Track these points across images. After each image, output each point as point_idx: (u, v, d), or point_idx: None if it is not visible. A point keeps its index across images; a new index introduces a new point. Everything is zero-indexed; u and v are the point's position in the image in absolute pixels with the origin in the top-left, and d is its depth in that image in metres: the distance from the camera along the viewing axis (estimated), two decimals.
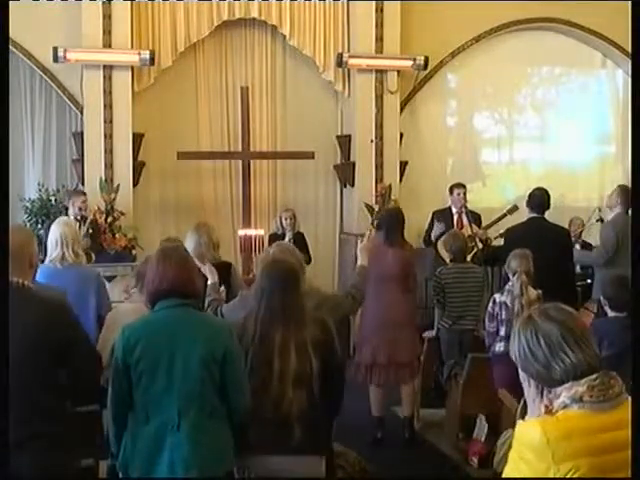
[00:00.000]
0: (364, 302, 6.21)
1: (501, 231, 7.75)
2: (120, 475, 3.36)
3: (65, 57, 8.40)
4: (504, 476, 2.25)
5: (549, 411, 2.24)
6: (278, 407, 3.49)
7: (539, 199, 6.65)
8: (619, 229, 6.52)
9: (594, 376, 2.22)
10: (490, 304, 5.65)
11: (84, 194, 8.03)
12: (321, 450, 3.64)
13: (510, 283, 5.57)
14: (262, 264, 3.87)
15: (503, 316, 5.53)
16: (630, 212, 6.52)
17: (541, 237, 6.40)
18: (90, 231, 7.75)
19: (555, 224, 6.82)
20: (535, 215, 6.63)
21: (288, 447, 3.49)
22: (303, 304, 3.70)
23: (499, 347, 5.55)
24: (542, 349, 2.24)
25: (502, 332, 5.54)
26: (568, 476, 2.12)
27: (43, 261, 4.93)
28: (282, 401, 3.49)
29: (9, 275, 3.21)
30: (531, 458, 2.15)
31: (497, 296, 5.63)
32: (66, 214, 7.66)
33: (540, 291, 5.57)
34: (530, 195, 6.74)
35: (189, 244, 5.65)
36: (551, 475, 2.12)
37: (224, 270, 5.10)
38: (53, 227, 5.13)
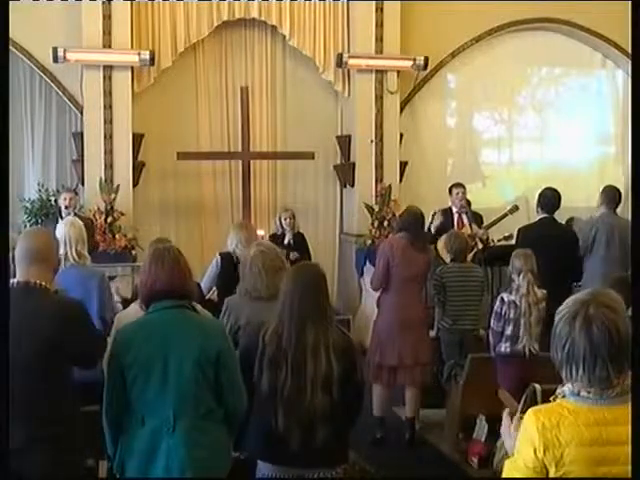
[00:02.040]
0: (382, 302, 6.23)
1: (506, 234, 7.75)
2: (117, 477, 3.36)
3: (65, 57, 8.39)
4: (516, 454, 2.34)
5: (554, 396, 2.36)
6: (309, 410, 3.50)
7: (550, 199, 6.67)
8: (594, 226, 6.69)
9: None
10: (497, 303, 5.61)
11: (71, 191, 7.92)
12: (342, 453, 3.70)
13: (516, 282, 5.54)
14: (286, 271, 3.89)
15: (511, 315, 5.50)
16: (610, 210, 6.75)
17: (553, 237, 6.44)
18: None
19: (564, 225, 6.87)
20: (546, 215, 6.65)
21: (312, 450, 3.51)
22: (330, 306, 3.73)
23: (505, 347, 5.54)
24: (563, 352, 2.30)
25: (508, 331, 5.51)
26: (557, 461, 2.24)
27: None
28: (313, 403, 3.50)
29: (29, 277, 3.24)
30: (529, 442, 2.27)
31: (505, 295, 5.58)
32: (60, 213, 7.63)
33: (545, 291, 5.56)
34: (541, 195, 6.75)
35: (234, 243, 5.72)
36: (540, 456, 2.25)
37: None
38: (58, 227, 5.14)
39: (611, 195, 6.82)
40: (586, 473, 2.23)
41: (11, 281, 3.25)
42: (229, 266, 5.71)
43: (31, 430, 3.09)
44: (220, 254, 5.90)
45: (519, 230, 6.81)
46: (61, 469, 3.16)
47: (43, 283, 3.28)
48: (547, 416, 2.27)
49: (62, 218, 7.30)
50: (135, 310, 4.14)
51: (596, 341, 2.25)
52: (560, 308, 2.37)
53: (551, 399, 2.40)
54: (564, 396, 2.32)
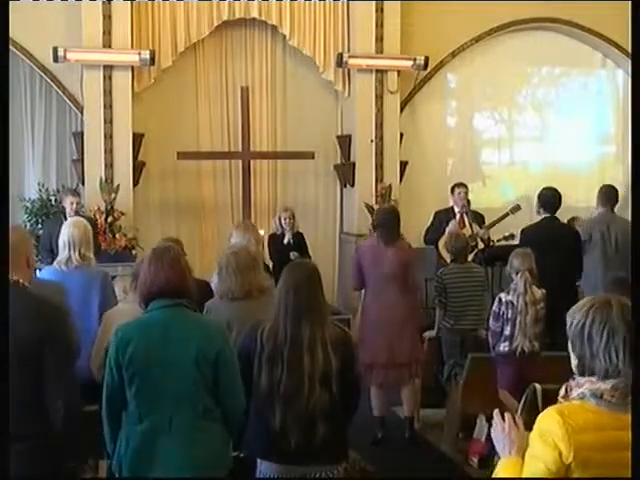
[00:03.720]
0: (363, 302, 6.23)
1: (507, 233, 7.75)
2: (116, 475, 3.36)
3: (65, 57, 8.39)
4: (528, 455, 2.27)
5: (565, 397, 2.30)
6: (308, 406, 3.51)
7: (550, 199, 6.67)
8: (590, 225, 6.71)
9: (620, 379, 2.25)
10: (495, 303, 5.63)
11: (76, 194, 7.94)
12: (341, 450, 3.71)
13: (514, 282, 5.56)
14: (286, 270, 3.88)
15: (509, 315, 5.52)
16: (607, 210, 6.72)
17: (556, 237, 6.44)
18: None
19: (566, 224, 6.87)
20: (548, 215, 6.65)
21: (312, 447, 3.52)
22: (325, 303, 3.73)
23: (504, 347, 5.56)
24: (601, 339, 2.26)
25: (507, 331, 5.53)
26: (584, 464, 2.19)
27: (51, 262, 4.93)
28: (311, 400, 3.51)
29: (9, 274, 3.20)
30: (551, 444, 2.21)
31: (503, 295, 5.61)
32: (64, 214, 7.64)
33: (544, 290, 5.57)
34: (540, 195, 6.74)
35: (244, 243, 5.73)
36: (568, 460, 2.19)
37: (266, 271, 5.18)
38: (62, 229, 5.12)
39: (608, 194, 6.80)
40: (610, 476, 2.20)
41: None
42: None
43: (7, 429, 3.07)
44: None
45: (522, 231, 6.80)
46: (37, 469, 3.14)
47: (15, 278, 3.25)
48: (573, 418, 2.20)
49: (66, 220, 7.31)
50: (128, 308, 4.15)
51: (632, 327, 2.25)
52: (576, 307, 2.34)
53: (560, 399, 2.34)
54: (582, 397, 2.26)
